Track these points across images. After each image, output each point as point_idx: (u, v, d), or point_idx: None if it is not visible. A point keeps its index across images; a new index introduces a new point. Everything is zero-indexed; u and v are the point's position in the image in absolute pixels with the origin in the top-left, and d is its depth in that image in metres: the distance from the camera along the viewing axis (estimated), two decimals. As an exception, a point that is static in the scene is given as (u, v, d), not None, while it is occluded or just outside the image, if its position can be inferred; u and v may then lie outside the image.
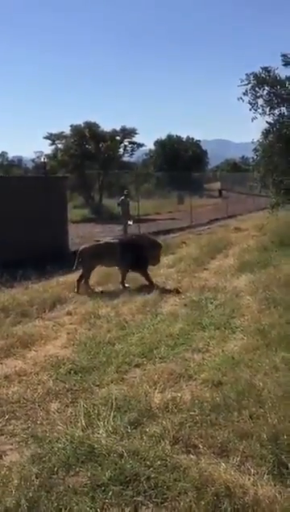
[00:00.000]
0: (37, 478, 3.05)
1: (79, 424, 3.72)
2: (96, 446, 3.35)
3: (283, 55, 13.20)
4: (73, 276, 9.68)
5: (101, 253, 8.81)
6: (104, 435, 3.51)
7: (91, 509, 2.80)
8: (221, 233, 16.23)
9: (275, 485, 2.96)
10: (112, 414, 3.81)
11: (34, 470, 3.14)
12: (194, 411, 3.86)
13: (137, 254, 8.61)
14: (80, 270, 8.77)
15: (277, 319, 6.07)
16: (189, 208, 22.76)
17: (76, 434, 3.54)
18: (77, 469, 3.17)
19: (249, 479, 2.99)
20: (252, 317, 6.34)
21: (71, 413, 3.99)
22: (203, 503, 2.78)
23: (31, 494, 2.89)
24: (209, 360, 5.04)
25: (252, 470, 3.10)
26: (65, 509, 2.80)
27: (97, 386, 4.53)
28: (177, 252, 12.45)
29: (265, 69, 13.40)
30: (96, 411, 3.92)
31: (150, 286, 8.42)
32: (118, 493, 2.92)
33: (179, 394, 4.21)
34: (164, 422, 3.69)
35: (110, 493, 2.91)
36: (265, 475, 3.06)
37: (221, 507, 2.75)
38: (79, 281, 8.58)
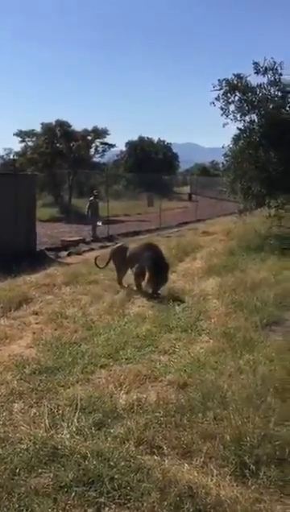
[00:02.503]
0: (-2, 479, 3.00)
1: (42, 425, 3.68)
2: (59, 447, 3.32)
3: (255, 63, 13.48)
4: (38, 276, 9.57)
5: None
6: (68, 435, 3.48)
7: (53, 510, 2.77)
8: (189, 237, 16.34)
9: (237, 486, 3.00)
10: (76, 414, 3.79)
11: (-5, 471, 3.08)
12: (159, 413, 3.87)
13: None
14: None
15: (243, 322, 6.15)
16: (159, 211, 22.86)
17: (40, 435, 3.49)
18: (40, 470, 3.12)
19: (212, 480, 3.02)
20: (218, 320, 6.40)
21: (35, 413, 3.93)
22: (166, 503, 2.79)
23: (-9, 495, 2.84)
24: (175, 361, 5.06)
25: (215, 471, 3.13)
26: (27, 510, 2.76)
27: (62, 386, 4.49)
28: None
29: (237, 76, 13.65)
30: (60, 412, 3.89)
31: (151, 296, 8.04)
32: (80, 494, 2.89)
33: (144, 396, 4.21)
34: (129, 423, 3.69)
35: (73, 495, 2.89)
36: (227, 476, 3.10)
37: (183, 507, 2.76)
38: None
